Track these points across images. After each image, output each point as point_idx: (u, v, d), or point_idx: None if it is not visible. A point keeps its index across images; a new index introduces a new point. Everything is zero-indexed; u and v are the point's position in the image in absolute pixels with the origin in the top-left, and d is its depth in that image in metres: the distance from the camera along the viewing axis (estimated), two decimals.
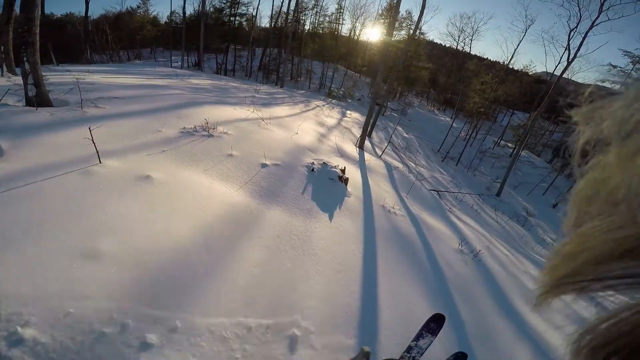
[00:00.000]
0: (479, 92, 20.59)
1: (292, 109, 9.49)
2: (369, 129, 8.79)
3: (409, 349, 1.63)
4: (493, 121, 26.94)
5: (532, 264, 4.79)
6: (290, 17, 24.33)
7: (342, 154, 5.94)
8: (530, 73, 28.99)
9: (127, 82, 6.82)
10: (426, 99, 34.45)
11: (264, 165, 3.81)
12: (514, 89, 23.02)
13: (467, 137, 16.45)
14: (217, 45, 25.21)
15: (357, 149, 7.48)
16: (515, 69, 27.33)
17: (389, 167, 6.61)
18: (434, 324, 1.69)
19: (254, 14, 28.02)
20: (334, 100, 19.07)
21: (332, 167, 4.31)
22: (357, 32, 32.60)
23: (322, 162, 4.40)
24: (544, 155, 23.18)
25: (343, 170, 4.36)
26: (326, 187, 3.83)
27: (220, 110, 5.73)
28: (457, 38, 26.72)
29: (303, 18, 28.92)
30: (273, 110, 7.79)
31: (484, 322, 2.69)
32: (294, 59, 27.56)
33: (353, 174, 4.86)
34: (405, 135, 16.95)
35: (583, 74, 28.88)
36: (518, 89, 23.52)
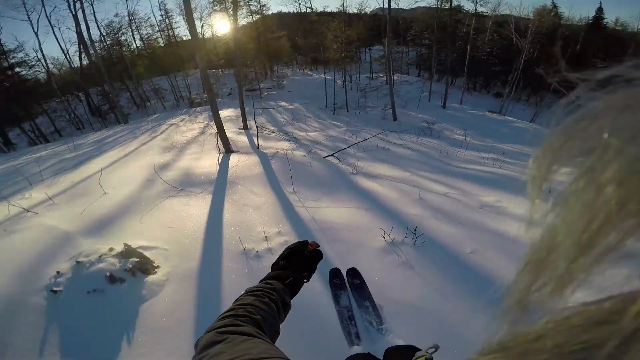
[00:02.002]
0: (334, 40, 20.69)
1: (124, 150, 6.62)
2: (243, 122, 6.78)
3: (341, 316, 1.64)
4: (358, 61, 28.16)
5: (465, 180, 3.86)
6: (105, 43, 19.49)
7: (186, 183, 3.85)
8: (369, 13, 31.50)
9: None
10: (297, 65, 33.78)
11: None
12: (360, 28, 24.50)
13: (344, 83, 16.10)
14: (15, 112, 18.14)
15: (222, 154, 5.40)
16: (354, 12, 28.90)
17: (265, 160, 4.75)
18: (337, 280, 1.77)
19: (39, 56, 21.33)
20: (199, 108, 16.16)
21: (112, 258, 2.16)
22: (199, 29, 28.89)
23: (88, 259, 2.15)
24: (412, 72, 25.39)
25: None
26: (82, 310, 1.76)
27: None
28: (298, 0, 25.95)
29: (124, 38, 23.70)
30: (81, 171, 4.94)
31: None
32: (128, 85, 22.58)
33: (190, 215, 3.09)
34: (290, 107, 15.52)
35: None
36: (365, 28, 25.17)
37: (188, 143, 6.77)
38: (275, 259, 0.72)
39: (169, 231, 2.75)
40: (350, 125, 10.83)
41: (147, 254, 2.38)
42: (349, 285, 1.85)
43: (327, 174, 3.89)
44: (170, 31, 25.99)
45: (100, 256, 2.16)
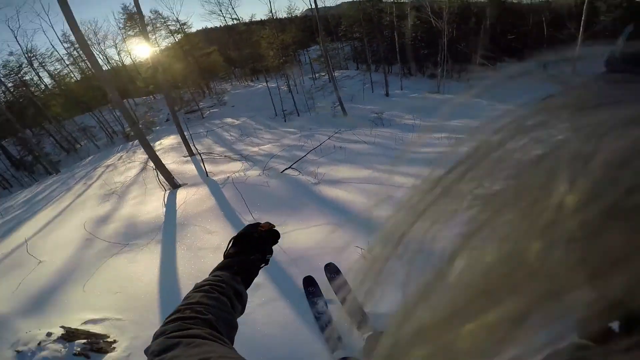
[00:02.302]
0: (269, 47, 20.46)
1: (58, 206, 5.68)
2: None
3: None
4: (299, 64, 28.19)
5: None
6: (5, 87, 16.85)
7: (131, 235, 3.39)
8: (299, 15, 31.81)
9: None
10: (235, 78, 32.74)
11: None
12: (294, 31, 24.62)
13: (289, 88, 15.84)
14: None
15: (168, 191, 4.75)
16: (285, 17, 28.93)
17: (216, 189, 4.24)
18: (312, 287, 1.76)
19: None
20: (135, 141, 14.63)
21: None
22: (117, 57, 26.48)
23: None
24: (351, 66, 26.09)
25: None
26: None
27: None
28: (221, 13, 24.81)
29: (30, 78, 20.74)
30: (12, 239, 4.14)
31: None
32: (49, 129, 19.93)
33: (139, 274, 2.75)
34: (237, 122, 14.81)
35: None
36: (298, 30, 25.35)
37: (129, 185, 5.98)
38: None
39: (118, 297, 2.40)
40: (304, 129, 10.58)
41: (97, 328, 2.08)
42: (330, 281, 1.84)
43: (288, 191, 3.55)
44: (83, 63, 23.31)
45: (39, 343, 1.82)
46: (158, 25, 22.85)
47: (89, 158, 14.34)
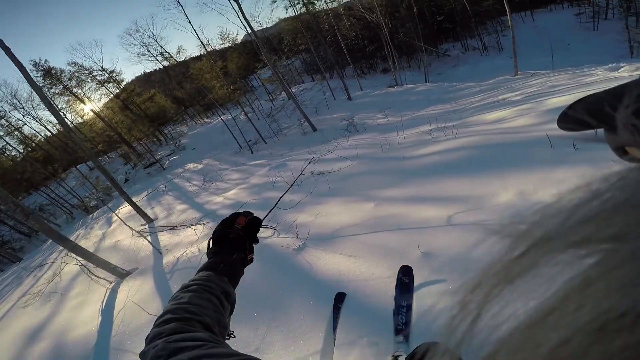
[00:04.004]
0: (215, 78, 19.49)
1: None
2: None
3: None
4: (250, 90, 27.51)
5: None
6: None
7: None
8: (240, 42, 31.35)
9: None
10: (189, 118, 31.28)
11: None
12: (236, 58, 23.94)
13: (246, 116, 14.80)
14: None
15: (111, 284, 3.54)
16: (222, 46, 28.23)
17: (162, 282, 3.10)
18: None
19: None
20: (97, 213, 13.15)
21: None
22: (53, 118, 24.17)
23: None
24: (306, 79, 25.76)
25: None
26: None
27: None
28: (150, 53, 23.23)
29: None
30: None
31: None
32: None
33: None
34: (200, 166, 13.46)
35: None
36: (241, 57, 24.74)
37: (75, 277, 4.87)
38: None
39: None
40: (273, 157, 9.52)
41: None
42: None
43: (260, 276, 2.40)
44: (18, 132, 21.01)
45: None
46: (83, 77, 20.92)
47: (49, 241, 12.44)
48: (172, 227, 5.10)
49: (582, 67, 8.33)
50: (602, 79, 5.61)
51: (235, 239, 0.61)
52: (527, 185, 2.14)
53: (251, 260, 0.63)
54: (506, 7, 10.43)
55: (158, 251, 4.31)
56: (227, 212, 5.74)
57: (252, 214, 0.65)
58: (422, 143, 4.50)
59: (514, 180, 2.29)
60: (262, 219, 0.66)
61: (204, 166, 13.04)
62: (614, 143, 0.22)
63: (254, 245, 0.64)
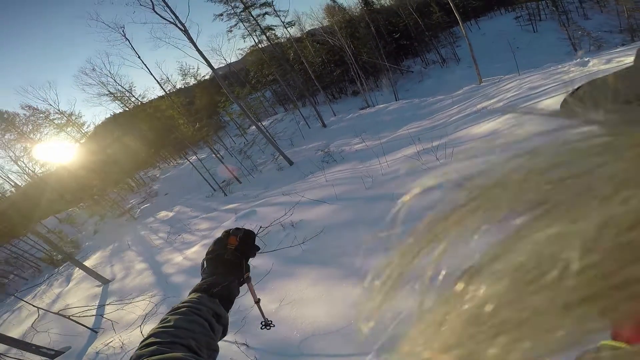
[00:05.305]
0: (179, 117, 18.80)
1: None
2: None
3: None
4: (222, 127, 27.12)
5: None
6: None
7: None
8: (205, 78, 30.83)
9: None
10: (162, 160, 29.93)
11: None
12: (205, 96, 23.55)
13: (216, 156, 13.98)
14: None
15: None
16: (186, 84, 27.83)
17: None
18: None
19: None
20: (62, 267, 12.48)
21: None
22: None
23: None
24: (279, 110, 25.65)
25: None
26: None
27: None
28: (112, 92, 21.65)
29: None
30: None
31: None
32: None
33: None
34: (170, 214, 12.26)
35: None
36: (206, 94, 24.40)
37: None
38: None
39: None
40: (247, 199, 8.63)
41: None
42: None
43: None
44: None
45: None
46: (40, 121, 19.26)
47: (11, 298, 10.74)
48: (118, 302, 4.22)
49: (546, 67, 8.36)
50: (580, 75, 5.46)
51: (230, 260, 0.60)
52: None
53: (248, 279, 0.62)
54: (457, 17, 10.72)
55: (93, 331, 3.48)
56: (181, 280, 4.70)
57: (242, 230, 0.64)
58: (412, 172, 3.82)
59: None
60: (255, 232, 0.65)
61: (175, 214, 11.88)
62: None
63: (251, 257, 0.64)
